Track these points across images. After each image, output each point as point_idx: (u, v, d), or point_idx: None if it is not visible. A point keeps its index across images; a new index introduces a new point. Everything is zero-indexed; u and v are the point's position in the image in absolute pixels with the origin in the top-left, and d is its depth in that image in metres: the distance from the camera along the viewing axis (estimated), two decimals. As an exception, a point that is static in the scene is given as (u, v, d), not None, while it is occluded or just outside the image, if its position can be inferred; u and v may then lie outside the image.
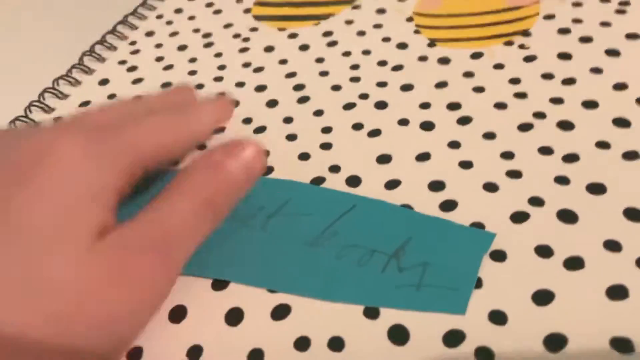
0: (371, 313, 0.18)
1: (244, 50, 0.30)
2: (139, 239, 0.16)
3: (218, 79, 0.29)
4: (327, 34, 0.30)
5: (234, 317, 0.19)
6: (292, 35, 0.31)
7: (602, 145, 0.22)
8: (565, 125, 0.23)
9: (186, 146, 0.21)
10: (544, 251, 0.19)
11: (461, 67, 0.27)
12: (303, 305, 0.19)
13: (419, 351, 0.17)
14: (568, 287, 0.18)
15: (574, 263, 0.18)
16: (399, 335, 0.18)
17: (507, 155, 0.22)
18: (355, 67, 0.28)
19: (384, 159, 0.23)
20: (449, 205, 0.21)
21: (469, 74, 0.26)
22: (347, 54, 0.29)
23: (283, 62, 0.29)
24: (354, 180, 0.22)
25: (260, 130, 0.26)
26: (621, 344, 0.16)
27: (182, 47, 0.32)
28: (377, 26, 0.30)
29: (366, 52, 0.29)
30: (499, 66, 0.26)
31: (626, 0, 0.28)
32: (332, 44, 0.30)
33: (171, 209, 0.17)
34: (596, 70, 0.25)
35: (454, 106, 0.25)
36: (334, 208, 0.21)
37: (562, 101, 0.24)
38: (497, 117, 0.24)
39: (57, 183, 0.15)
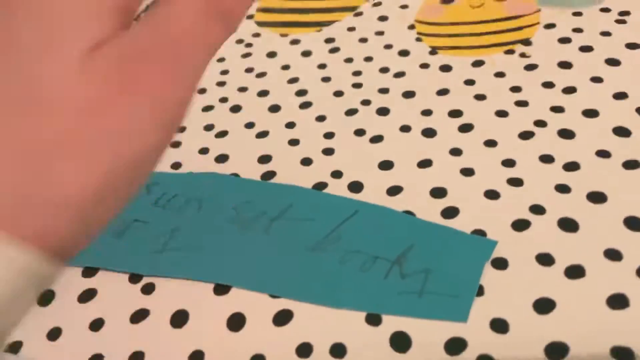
0: (373, 320, 0.18)
1: (246, 55, 0.31)
2: (140, 47, 0.13)
3: (221, 83, 0.29)
4: (330, 40, 0.30)
5: (236, 322, 0.19)
6: (295, 42, 0.31)
7: (603, 154, 0.22)
8: (566, 134, 0.23)
9: None
10: (545, 259, 0.19)
11: (462, 75, 0.27)
12: (305, 311, 0.19)
13: (420, 358, 0.17)
14: (569, 295, 0.18)
15: (575, 271, 0.19)
16: (401, 342, 0.18)
17: (508, 163, 0.22)
18: (357, 73, 0.28)
19: (385, 165, 0.23)
20: (450, 212, 0.21)
21: (470, 82, 0.26)
22: (349, 60, 0.29)
23: (285, 67, 0.29)
24: (355, 186, 0.23)
25: (262, 135, 0.26)
26: (622, 353, 0.16)
27: (184, 52, 0.32)
28: (379, 33, 0.30)
29: (368, 59, 0.29)
30: (500, 74, 0.26)
31: (626, 10, 0.29)
32: (334, 50, 0.30)
33: (176, 9, 0.14)
34: (596, 80, 0.25)
35: (455, 113, 0.25)
36: (337, 213, 0.21)
37: (562, 110, 0.24)
38: (498, 124, 0.24)
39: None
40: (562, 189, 0.21)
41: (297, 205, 0.22)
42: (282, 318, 0.19)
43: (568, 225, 0.20)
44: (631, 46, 0.27)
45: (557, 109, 0.24)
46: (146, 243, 0.21)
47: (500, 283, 0.19)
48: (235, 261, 0.20)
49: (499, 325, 0.18)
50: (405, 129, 0.25)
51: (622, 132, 0.23)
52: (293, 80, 0.28)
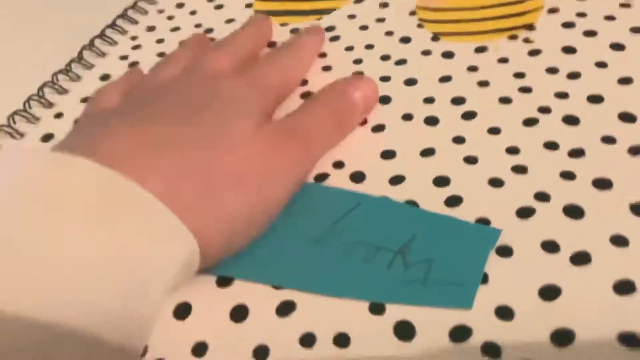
0: (377, 309, 0.18)
1: (246, 45, 0.30)
2: (287, 129, 0.22)
3: (220, 74, 0.29)
4: (330, 28, 0.30)
5: (239, 313, 0.19)
6: (295, 30, 0.31)
7: (608, 140, 0.22)
8: (571, 120, 0.23)
9: (299, 80, 0.27)
10: (550, 246, 0.19)
11: (465, 62, 0.26)
12: (308, 301, 0.19)
13: (425, 347, 0.17)
14: (575, 282, 0.18)
15: (581, 258, 0.18)
16: (405, 331, 0.18)
17: (513, 151, 0.22)
18: (358, 61, 0.28)
19: (388, 154, 0.23)
20: (454, 201, 0.21)
21: (473, 68, 0.26)
22: (349, 48, 0.29)
23: (285, 56, 0.29)
24: (358, 176, 0.22)
25: (263, 125, 0.25)
26: (628, 339, 0.16)
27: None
28: (380, 20, 0.30)
29: (369, 47, 0.28)
30: (503, 60, 0.26)
31: (631, -6, 0.28)
32: (335, 38, 0.29)
33: (310, 116, 0.23)
34: (601, 65, 0.25)
35: (458, 101, 0.25)
36: (339, 206, 0.21)
37: (567, 96, 0.24)
38: (501, 111, 0.24)
39: (228, 97, 0.22)
40: (567, 175, 0.21)
41: (300, 197, 0.21)
42: (285, 309, 0.19)
43: (573, 212, 0.20)
44: (636, 30, 0.26)
45: (561, 95, 0.24)
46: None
47: (505, 271, 0.18)
48: (237, 253, 0.20)
49: (504, 313, 0.17)
50: (408, 117, 0.24)
51: (627, 117, 0.23)
52: (294, 70, 0.28)
